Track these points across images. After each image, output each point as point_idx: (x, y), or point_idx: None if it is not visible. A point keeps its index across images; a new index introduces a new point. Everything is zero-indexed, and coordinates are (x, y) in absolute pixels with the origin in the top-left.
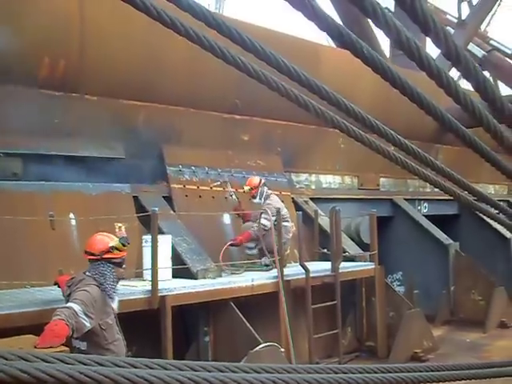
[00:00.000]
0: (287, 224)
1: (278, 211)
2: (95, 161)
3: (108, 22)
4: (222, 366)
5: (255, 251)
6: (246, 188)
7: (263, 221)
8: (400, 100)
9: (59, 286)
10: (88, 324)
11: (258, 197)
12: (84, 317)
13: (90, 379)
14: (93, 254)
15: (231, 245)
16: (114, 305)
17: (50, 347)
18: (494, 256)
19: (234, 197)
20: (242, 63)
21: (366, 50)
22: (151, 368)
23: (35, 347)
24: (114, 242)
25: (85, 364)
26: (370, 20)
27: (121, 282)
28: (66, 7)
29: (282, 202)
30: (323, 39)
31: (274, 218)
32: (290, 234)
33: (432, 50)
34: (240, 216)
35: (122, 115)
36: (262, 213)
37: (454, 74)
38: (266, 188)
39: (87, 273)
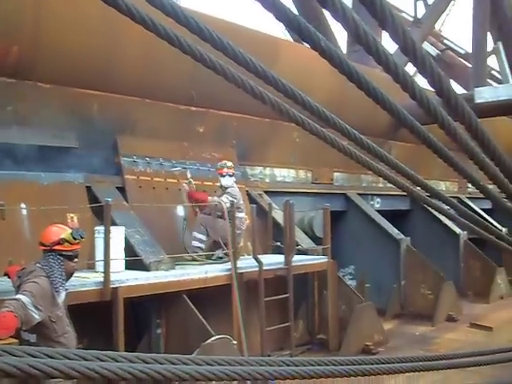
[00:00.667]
0: (241, 215)
1: (232, 204)
2: (48, 150)
3: (63, 8)
4: (174, 359)
5: (204, 245)
6: (229, 163)
7: (224, 198)
8: (355, 95)
9: (9, 277)
10: (37, 316)
11: (232, 177)
12: (33, 309)
13: (39, 372)
14: (44, 245)
15: (189, 194)
16: (60, 299)
17: None
18: (444, 251)
19: (192, 184)
20: (199, 53)
21: (324, 42)
22: (102, 360)
23: None
24: (64, 233)
25: (34, 356)
26: (328, 16)
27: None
28: None
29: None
30: (280, 33)
31: (228, 205)
32: (244, 226)
33: (388, 46)
34: (194, 207)
35: (76, 104)
36: (223, 194)
37: (409, 69)
38: None
39: (38, 264)
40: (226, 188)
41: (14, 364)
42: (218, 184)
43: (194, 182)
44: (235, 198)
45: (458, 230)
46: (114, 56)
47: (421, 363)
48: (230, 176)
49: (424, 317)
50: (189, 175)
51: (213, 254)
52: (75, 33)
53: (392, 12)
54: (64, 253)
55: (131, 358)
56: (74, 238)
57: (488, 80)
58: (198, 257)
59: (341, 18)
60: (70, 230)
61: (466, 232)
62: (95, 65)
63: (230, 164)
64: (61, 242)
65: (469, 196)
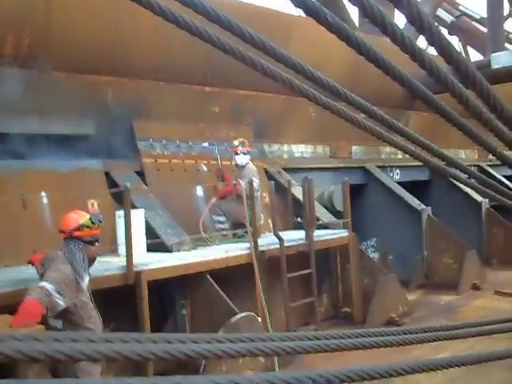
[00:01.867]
0: (257, 194)
1: (251, 182)
2: (65, 138)
3: None
4: (197, 338)
5: (227, 225)
6: (243, 140)
7: (242, 183)
8: (371, 67)
9: (33, 265)
10: (62, 303)
11: (247, 155)
12: (57, 295)
13: (64, 356)
14: (64, 232)
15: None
16: (84, 284)
17: (25, 326)
18: (466, 219)
19: (219, 164)
20: (207, 34)
21: (330, 16)
22: (126, 342)
23: (10, 327)
24: (83, 219)
25: (60, 341)
26: None
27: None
28: None
29: None
30: (292, 9)
31: (245, 186)
32: (259, 203)
33: (401, 18)
34: (220, 179)
35: (91, 91)
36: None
37: (423, 42)
38: None
39: (60, 251)
40: (243, 166)
41: (40, 349)
42: (234, 162)
43: (220, 163)
44: (254, 178)
45: (479, 197)
46: (126, 41)
47: (446, 332)
48: (245, 154)
49: (448, 286)
50: (217, 155)
51: (234, 234)
52: (86, 20)
53: None
54: (84, 238)
55: (155, 338)
56: (93, 223)
57: (506, 45)
58: (222, 236)
59: None
60: (88, 216)
61: (487, 199)
62: (108, 51)
63: (244, 141)
64: (80, 227)
65: (490, 163)
